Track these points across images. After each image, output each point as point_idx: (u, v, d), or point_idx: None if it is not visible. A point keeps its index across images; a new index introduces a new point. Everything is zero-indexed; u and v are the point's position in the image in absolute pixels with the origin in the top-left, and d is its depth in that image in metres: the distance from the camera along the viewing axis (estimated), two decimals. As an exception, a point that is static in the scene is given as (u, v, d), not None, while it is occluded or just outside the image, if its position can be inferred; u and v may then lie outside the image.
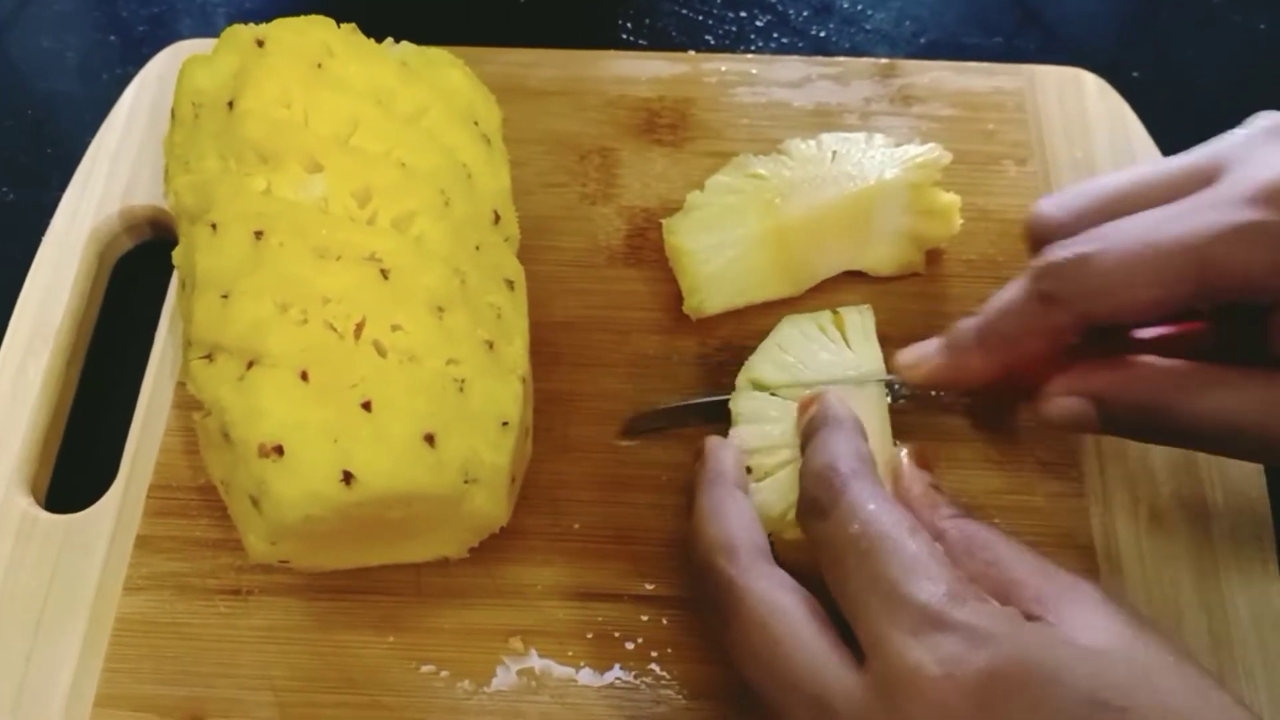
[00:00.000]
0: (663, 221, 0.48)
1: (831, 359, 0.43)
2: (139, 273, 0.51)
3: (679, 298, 0.47)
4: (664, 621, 0.41)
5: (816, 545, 0.35)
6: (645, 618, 0.41)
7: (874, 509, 0.34)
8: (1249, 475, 0.44)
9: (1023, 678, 0.30)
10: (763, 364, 0.43)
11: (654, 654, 0.41)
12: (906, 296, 0.48)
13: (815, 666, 0.32)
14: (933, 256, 0.49)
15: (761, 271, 0.46)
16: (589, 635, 0.41)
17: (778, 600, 0.34)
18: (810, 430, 0.39)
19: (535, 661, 0.40)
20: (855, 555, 0.33)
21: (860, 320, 0.44)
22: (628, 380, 0.46)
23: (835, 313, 0.44)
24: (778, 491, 0.40)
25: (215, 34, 0.45)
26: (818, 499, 0.36)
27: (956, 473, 0.44)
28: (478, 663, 0.41)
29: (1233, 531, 0.43)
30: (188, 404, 0.42)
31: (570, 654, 0.41)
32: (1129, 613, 0.32)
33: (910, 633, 0.31)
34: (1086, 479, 0.44)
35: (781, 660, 0.33)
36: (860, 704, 0.31)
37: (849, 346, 0.43)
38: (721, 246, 0.46)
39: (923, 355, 0.42)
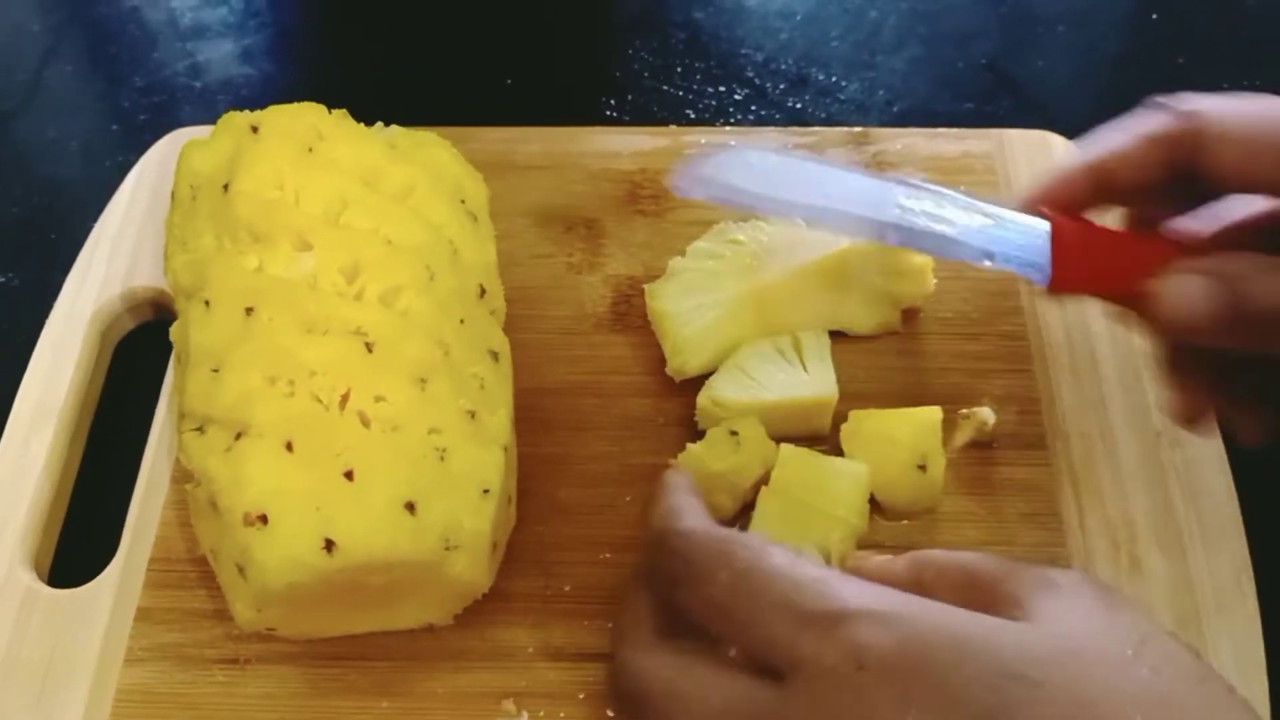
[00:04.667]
0: (645, 287, 0.49)
1: (786, 379, 0.46)
2: (140, 352, 0.52)
3: (664, 361, 0.48)
4: (654, 680, 0.42)
5: (695, 612, 0.35)
6: (635, 677, 0.42)
7: (726, 547, 0.35)
8: (1227, 519, 0.44)
9: (929, 652, 0.30)
10: (724, 385, 0.46)
11: (644, 713, 0.41)
12: (885, 354, 0.49)
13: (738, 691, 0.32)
14: (909, 315, 0.50)
15: (741, 332, 0.47)
16: (581, 696, 0.41)
17: (677, 660, 0.34)
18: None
19: (528, 724, 0.41)
20: (745, 597, 0.33)
21: (816, 342, 0.47)
22: (616, 443, 0.47)
23: (794, 337, 0.47)
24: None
25: (215, 121, 0.47)
26: (673, 570, 0.36)
27: (939, 525, 0.45)
28: (470, 726, 0.41)
29: (1212, 575, 0.43)
30: (185, 478, 0.43)
31: (563, 716, 0.41)
32: (1104, 598, 0.33)
33: (821, 637, 0.31)
34: (1066, 528, 0.44)
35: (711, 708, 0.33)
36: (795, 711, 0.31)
37: (805, 369, 0.46)
38: (702, 309, 0.48)
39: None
